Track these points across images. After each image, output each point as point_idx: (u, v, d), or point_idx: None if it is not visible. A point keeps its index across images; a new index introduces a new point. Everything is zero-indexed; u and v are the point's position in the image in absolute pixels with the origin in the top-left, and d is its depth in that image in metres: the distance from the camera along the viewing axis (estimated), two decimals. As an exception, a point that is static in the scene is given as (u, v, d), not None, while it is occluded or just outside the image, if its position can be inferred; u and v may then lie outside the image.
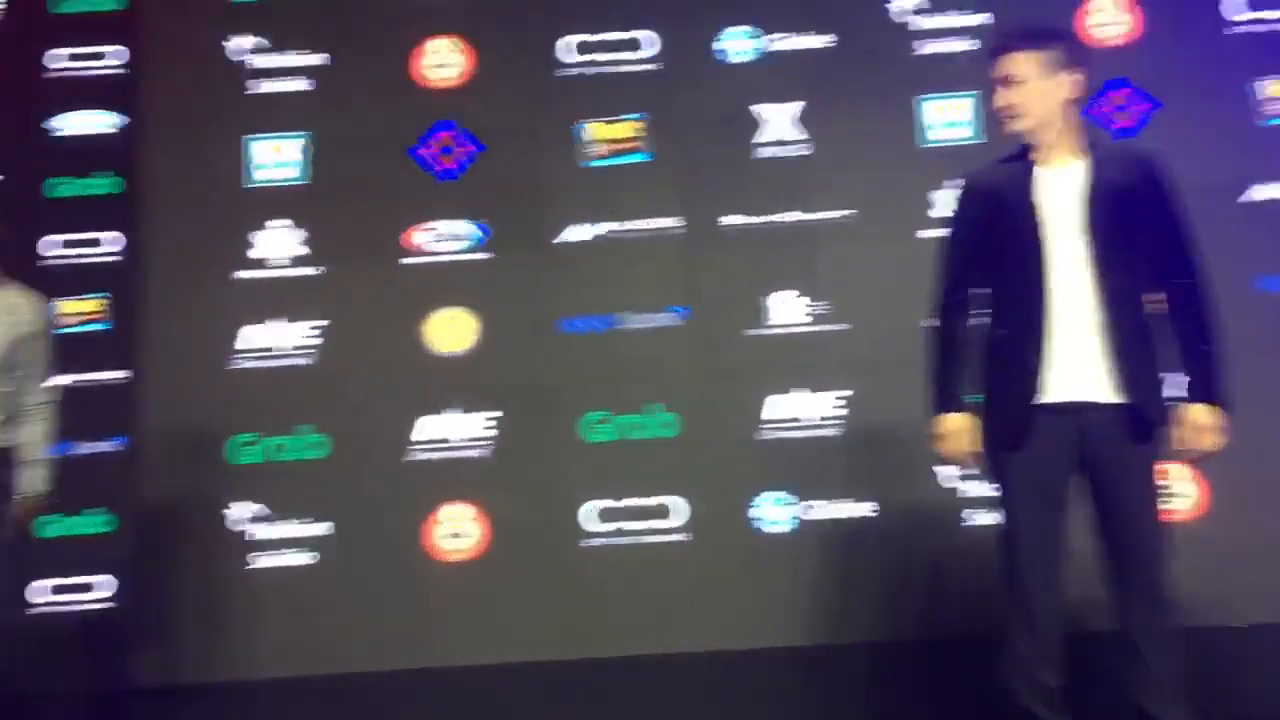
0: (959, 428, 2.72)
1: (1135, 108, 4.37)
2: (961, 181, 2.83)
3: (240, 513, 4.26)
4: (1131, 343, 2.60)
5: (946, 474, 4.16)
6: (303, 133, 4.47)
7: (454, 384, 4.33)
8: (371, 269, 4.39)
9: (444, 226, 4.42)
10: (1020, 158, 2.73)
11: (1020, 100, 2.67)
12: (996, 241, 2.70)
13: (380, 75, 4.51)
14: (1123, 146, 2.73)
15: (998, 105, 2.71)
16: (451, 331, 4.37)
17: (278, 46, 4.52)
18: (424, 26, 4.54)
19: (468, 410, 4.32)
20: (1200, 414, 2.62)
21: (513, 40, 4.51)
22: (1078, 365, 2.60)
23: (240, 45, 4.52)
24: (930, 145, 4.39)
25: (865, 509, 4.22)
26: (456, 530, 4.26)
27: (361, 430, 4.30)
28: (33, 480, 3.10)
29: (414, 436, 4.30)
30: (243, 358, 4.35)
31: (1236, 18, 4.43)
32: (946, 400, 2.75)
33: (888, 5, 4.49)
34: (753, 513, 4.25)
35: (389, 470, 4.28)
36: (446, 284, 4.38)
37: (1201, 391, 2.63)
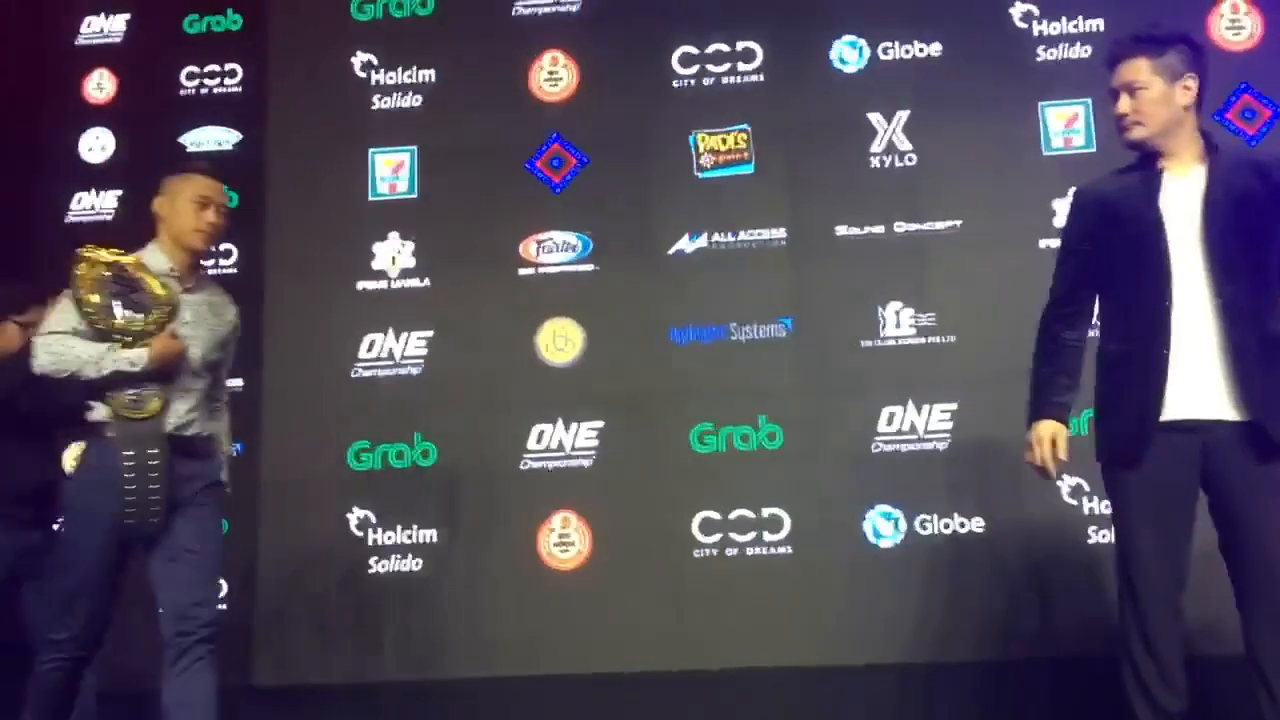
0: (1047, 434, 2.70)
1: (1259, 114, 4.24)
2: (1076, 193, 2.79)
3: (358, 517, 4.38)
4: (1256, 358, 2.52)
5: (1066, 490, 4.08)
6: (413, 147, 4.57)
7: (564, 394, 4.39)
8: (484, 280, 4.47)
9: (555, 238, 4.48)
10: (1141, 168, 2.67)
11: (1141, 108, 2.62)
12: (1114, 254, 2.65)
13: (494, 89, 4.59)
14: (1247, 152, 2.66)
15: (1118, 113, 2.66)
16: (562, 341, 4.43)
17: (392, 64, 4.64)
18: (538, 41, 4.62)
19: (578, 419, 4.37)
20: None
21: (621, 53, 4.56)
22: (1198, 382, 2.54)
23: (363, 61, 4.65)
24: (1051, 154, 4.32)
25: (974, 524, 4.16)
26: (566, 539, 4.32)
27: (474, 438, 4.38)
28: (224, 472, 3.22)
29: (528, 445, 4.37)
30: (364, 366, 4.47)
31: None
32: (1039, 408, 2.73)
33: (1010, 10, 4.43)
34: (859, 526, 4.22)
35: (501, 478, 4.35)
36: (557, 295, 4.45)
37: None
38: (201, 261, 3.21)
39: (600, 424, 4.37)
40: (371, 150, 4.59)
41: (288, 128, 4.66)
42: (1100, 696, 2.71)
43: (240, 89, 4.74)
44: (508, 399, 4.42)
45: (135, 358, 2.96)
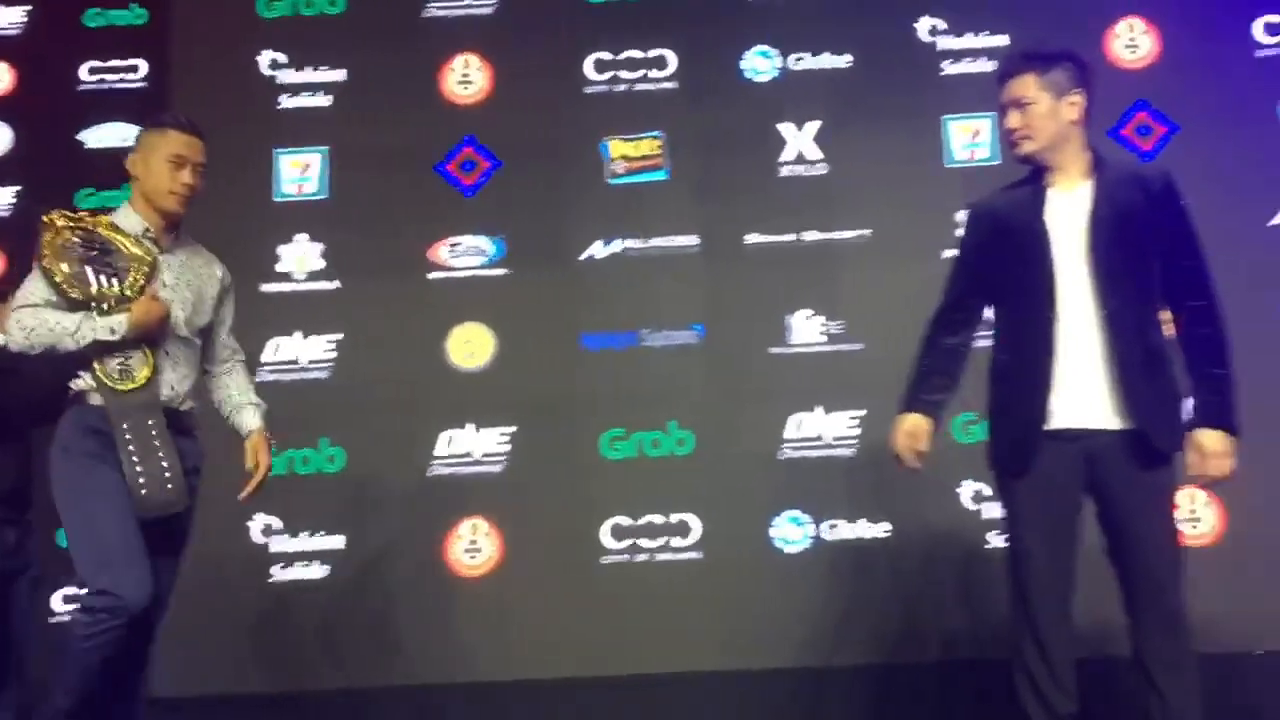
0: (909, 427, 2.80)
1: (1156, 131, 4.37)
2: (970, 207, 2.86)
3: (261, 524, 4.29)
4: (1139, 368, 2.59)
5: (967, 495, 4.16)
6: (323, 148, 4.51)
7: (474, 399, 4.36)
8: (395, 284, 4.42)
9: (466, 242, 4.45)
10: (1030, 182, 2.74)
11: (1030, 122, 2.68)
12: (1004, 267, 2.71)
13: (406, 90, 4.55)
14: (1132, 167, 2.73)
15: (1008, 128, 2.72)
16: (472, 346, 4.40)
17: (301, 63, 4.57)
18: (451, 43, 4.58)
19: (489, 425, 4.34)
20: (1210, 439, 2.60)
21: (535, 57, 4.54)
22: (1083, 391, 2.60)
23: (270, 59, 4.57)
24: (955, 165, 4.40)
25: (879, 529, 4.23)
26: (475, 545, 4.29)
27: (383, 444, 4.33)
28: (258, 417, 3.09)
29: (437, 450, 4.33)
30: (268, 369, 4.39)
31: (1266, 40, 4.43)
32: (908, 401, 2.83)
33: (916, 25, 4.51)
34: (768, 532, 4.26)
35: (409, 484, 4.30)
36: (468, 299, 4.42)
37: (1212, 417, 2.62)
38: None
39: (511, 430, 4.35)
40: (277, 150, 4.51)
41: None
42: (996, 699, 2.76)
43: (143, 85, 4.61)
44: (417, 404, 4.37)
45: (115, 324, 2.78)
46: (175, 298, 2.90)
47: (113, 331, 2.78)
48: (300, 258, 4.45)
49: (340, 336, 4.41)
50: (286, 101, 4.55)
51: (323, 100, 4.54)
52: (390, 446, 4.33)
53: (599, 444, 4.32)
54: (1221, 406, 2.63)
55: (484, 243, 4.46)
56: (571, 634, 4.19)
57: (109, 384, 2.80)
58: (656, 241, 4.44)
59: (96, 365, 2.80)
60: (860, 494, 4.23)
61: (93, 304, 2.80)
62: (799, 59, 4.52)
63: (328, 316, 4.42)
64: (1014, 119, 2.70)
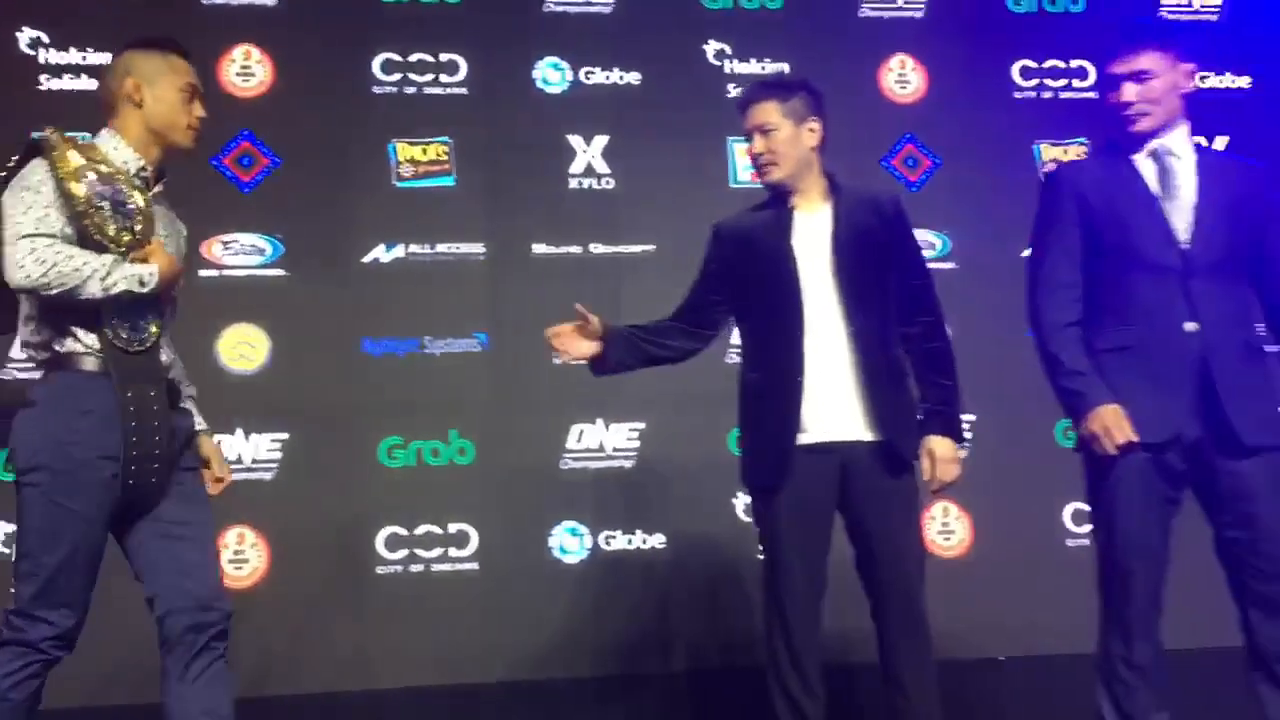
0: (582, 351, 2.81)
1: (923, 163, 4.63)
2: (715, 227, 2.94)
3: (4, 532, 4.01)
4: (884, 381, 2.72)
5: (741, 507, 4.28)
6: (86, 135, 4.23)
7: (246, 403, 4.19)
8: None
9: (242, 240, 4.28)
10: (774, 205, 2.85)
11: (774, 147, 2.79)
12: (751, 287, 2.80)
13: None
14: (865, 190, 2.88)
15: (755, 153, 2.82)
16: (245, 349, 4.24)
17: (64, 43, 4.30)
18: (230, 33, 4.40)
19: (259, 431, 4.19)
20: (941, 446, 2.76)
21: (320, 53, 4.41)
22: (834, 405, 2.71)
23: (30, 37, 4.28)
24: (739, 186, 4.51)
25: (655, 540, 4.30)
26: (241, 556, 4.12)
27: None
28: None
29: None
30: (16, 369, 4.10)
31: (1023, 83, 4.75)
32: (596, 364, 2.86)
33: (704, 47, 4.61)
34: (546, 542, 4.27)
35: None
36: (242, 299, 4.25)
37: (940, 425, 2.78)
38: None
39: (284, 436, 4.21)
40: (35, 135, 4.21)
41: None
42: (755, 705, 2.84)
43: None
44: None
45: (145, 275, 2.36)
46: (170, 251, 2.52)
47: (142, 284, 2.37)
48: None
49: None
50: (48, 83, 4.27)
51: (88, 84, 4.28)
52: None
53: (377, 452, 4.24)
54: (949, 416, 2.80)
55: (261, 241, 4.30)
56: (341, 646, 4.09)
57: (118, 346, 2.39)
58: (442, 248, 4.39)
59: (111, 323, 2.38)
60: (637, 505, 4.29)
61: (109, 247, 2.38)
62: (590, 73, 4.56)
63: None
64: (759, 144, 2.80)
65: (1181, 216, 2.69)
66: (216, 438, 4.04)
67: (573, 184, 4.48)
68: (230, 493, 4.02)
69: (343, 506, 4.18)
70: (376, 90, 4.44)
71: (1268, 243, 2.73)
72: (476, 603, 4.18)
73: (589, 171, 4.50)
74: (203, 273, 4.23)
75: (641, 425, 4.35)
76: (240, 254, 4.28)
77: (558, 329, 2.81)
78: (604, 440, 4.34)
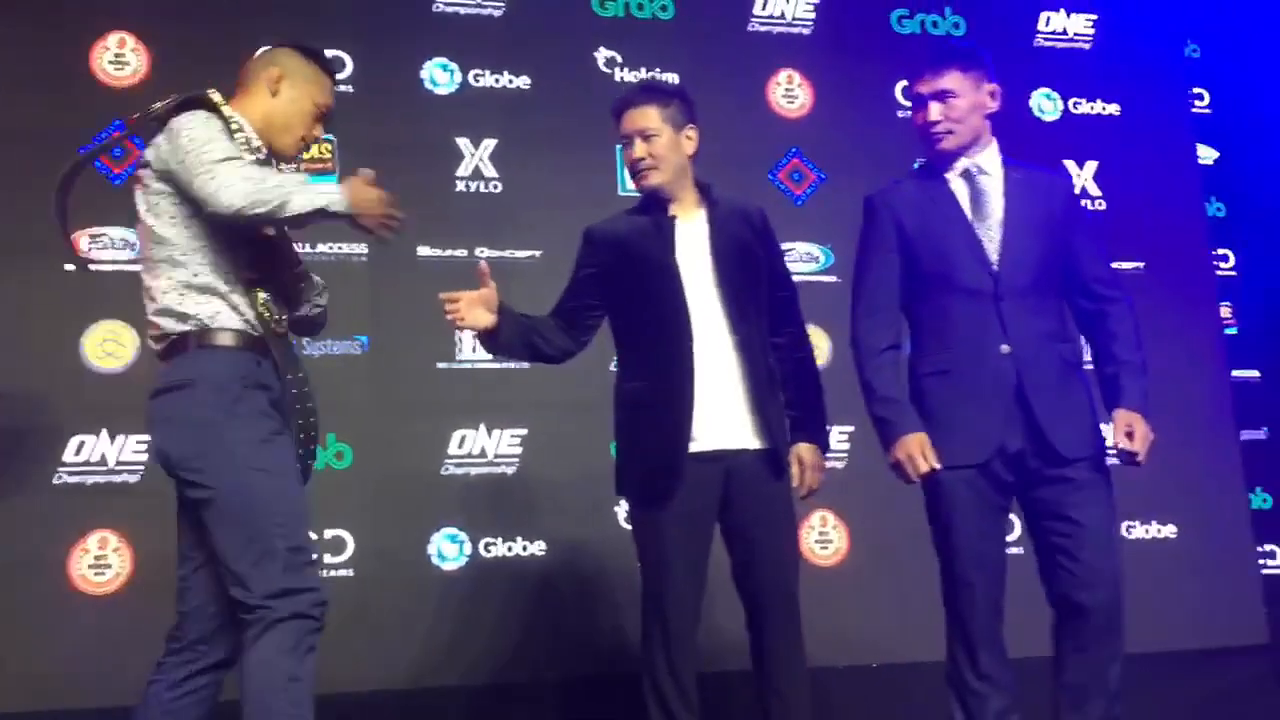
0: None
1: (808, 177, 4.70)
2: (587, 231, 2.95)
3: None
4: (765, 388, 2.76)
5: (622, 515, 4.27)
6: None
7: (112, 403, 4.04)
8: (30, 275, 4.04)
9: (111, 234, 4.13)
10: (650, 211, 2.85)
11: (655, 152, 2.80)
12: (631, 295, 2.80)
13: (54, 65, 4.18)
14: (735, 200, 2.91)
15: (635, 156, 2.82)
16: (111, 345, 4.09)
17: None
18: (104, 20, 4.25)
19: (126, 431, 4.04)
20: (808, 452, 2.83)
21: (199, 44, 4.28)
22: (722, 414, 2.73)
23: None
24: (626, 194, 4.50)
25: (536, 547, 4.27)
26: (103, 561, 3.97)
27: (2, 449, 3.93)
28: None
29: (65, 457, 3.99)
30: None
31: (905, 103, 4.85)
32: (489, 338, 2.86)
33: (595, 54, 4.61)
34: (424, 549, 4.20)
35: (31, 493, 3.94)
36: (109, 294, 4.09)
37: (809, 433, 2.85)
38: None
39: (149, 437, 4.06)
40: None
41: None
42: (628, 715, 2.84)
43: None
44: (48, 406, 4.00)
45: (333, 197, 2.17)
46: None
47: (331, 204, 2.18)
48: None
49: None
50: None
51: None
52: (11, 452, 3.94)
53: (250, 455, 4.12)
54: (816, 423, 2.87)
55: (131, 236, 4.15)
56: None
57: (270, 318, 2.28)
58: (323, 248, 4.29)
59: (261, 298, 2.28)
60: (518, 512, 4.26)
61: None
62: (479, 75, 4.52)
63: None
64: (640, 149, 2.81)
65: (991, 238, 2.74)
66: (79, 439, 3.98)
67: (459, 186, 4.44)
68: (93, 495, 3.96)
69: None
70: (258, 84, 4.32)
71: (1073, 254, 2.79)
72: (351, 610, 4.08)
73: (476, 174, 4.46)
74: (69, 267, 4.06)
75: (524, 431, 4.32)
76: (110, 249, 4.13)
77: (457, 294, 2.73)
78: (486, 446, 4.29)
